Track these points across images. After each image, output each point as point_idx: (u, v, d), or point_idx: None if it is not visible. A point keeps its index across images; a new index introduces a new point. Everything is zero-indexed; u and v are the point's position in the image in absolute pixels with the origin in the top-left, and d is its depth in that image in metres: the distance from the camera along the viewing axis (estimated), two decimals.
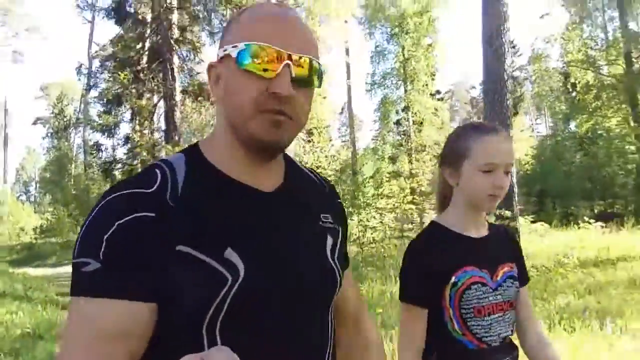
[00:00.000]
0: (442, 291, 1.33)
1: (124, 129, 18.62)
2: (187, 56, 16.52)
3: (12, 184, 50.13)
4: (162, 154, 14.63)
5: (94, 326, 0.67)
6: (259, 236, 0.79)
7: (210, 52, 16.98)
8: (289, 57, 0.76)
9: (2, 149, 40.59)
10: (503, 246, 1.47)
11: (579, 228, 13.22)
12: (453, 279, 1.32)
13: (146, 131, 15.68)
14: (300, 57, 0.77)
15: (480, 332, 1.32)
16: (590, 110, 20.94)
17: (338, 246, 0.92)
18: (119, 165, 15.78)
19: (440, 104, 26.24)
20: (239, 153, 0.82)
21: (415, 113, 24.83)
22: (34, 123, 44.02)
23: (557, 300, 5.89)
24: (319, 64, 0.80)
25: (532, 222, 13.81)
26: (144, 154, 14.92)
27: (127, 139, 15.93)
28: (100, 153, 16.71)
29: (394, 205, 15.69)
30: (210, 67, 0.85)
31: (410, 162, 23.97)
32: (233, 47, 0.77)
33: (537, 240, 11.32)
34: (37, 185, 51.25)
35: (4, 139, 41.20)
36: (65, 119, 41.53)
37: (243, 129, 0.78)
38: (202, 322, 0.72)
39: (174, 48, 15.56)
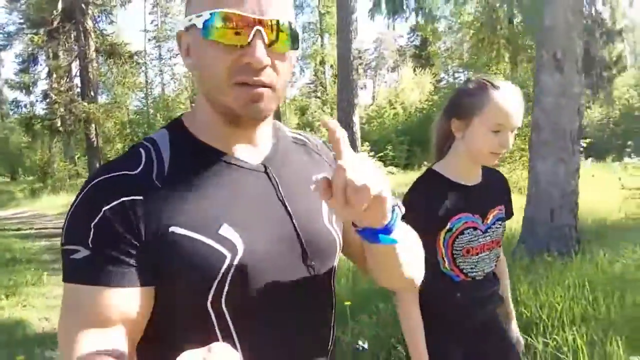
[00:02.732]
0: (437, 235, 1.44)
1: (41, 86, 20.50)
2: (99, 17, 18.54)
3: None
4: (79, 109, 17.04)
5: (89, 313, 0.67)
6: (252, 209, 0.78)
7: (121, 14, 19.03)
8: (260, 22, 0.71)
9: None
10: (494, 191, 1.58)
11: None
12: (448, 225, 1.44)
13: (62, 88, 17.80)
14: (271, 21, 0.72)
15: (467, 268, 1.48)
16: None
17: None
18: (39, 121, 17.99)
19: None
20: (221, 125, 0.79)
21: (332, 66, 27.57)
22: None
23: None
24: (291, 24, 0.75)
25: None
26: (62, 110, 17.21)
27: (46, 95, 18.06)
28: (19, 109, 18.73)
29: None
30: (179, 36, 0.80)
31: (326, 113, 26.86)
32: (198, 16, 0.72)
33: None
34: None
35: None
36: None
37: (220, 103, 0.75)
38: (206, 299, 0.73)
39: (86, 10, 17.55)
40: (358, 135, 11.72)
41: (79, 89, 18.58)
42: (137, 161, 0.75)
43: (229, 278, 0.73)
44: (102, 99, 21.02)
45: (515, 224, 4.60)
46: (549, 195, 4.39)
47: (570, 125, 4.01)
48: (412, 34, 41.61)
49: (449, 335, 1.49)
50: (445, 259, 1.46)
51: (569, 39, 4.05)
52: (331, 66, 27.24)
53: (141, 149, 0.78)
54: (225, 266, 0.72)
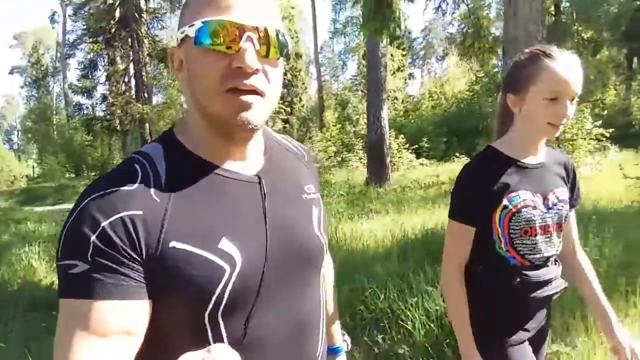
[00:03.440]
0: (493, 212, 1.39)
1: (101, 89, 22.54)
2: (151, 24, 20.14)
3: None
4: (134, 110, 18.68)
5: (88, 327, 0.67)
6: (248, 222, 0.80)
7: (172, 20, 20.61)
8: (251, 29, 0.74)
9: None
10: (557, 171, 1.50)
11: None
12: (505, 201, 1.38)
13: (119, 91, 19.53)
14: (263, 29, 0.76)
15: (524, 250, 1.41)
16: None
17: (322, 215, 0.96)
18: (98, 121, 19.85)
19: (399, 52, 29.44)
20: (214, 138, 0.81)
21: None
22: (11, 72, 46.25)
23: None
24: (283, 33, 0.79)
25: None
26: (119, 111, 18.92)
27: (104, 98, 19.88)
28: (81, 112, 20.68)
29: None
30: (171, 54, 0.83)
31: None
32: (190, 26, 0.76)
33: None
34: (19, 133, 53.80)
35: None
36: (42, 68, 44.06)
37: (210, 113, 0.77)
38: (204, 312, 0.74)
39: (139, 18, 19.12)
40: (386, 129, 12.27)
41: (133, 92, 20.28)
42: (133, 176, 0.76)
43: (227, 291, 0.74)
44: (159, 99, 22.83)
45: None
46: None
47: None
48: (461, 22, 41.05)
49: (498, 321, 1.44)
50: (501, 238, 1.40)
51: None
52: None
53: (136, 165, 0.78)
54: (224, 280, 0.74)
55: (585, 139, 9.44)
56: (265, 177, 0.86)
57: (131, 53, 19.19)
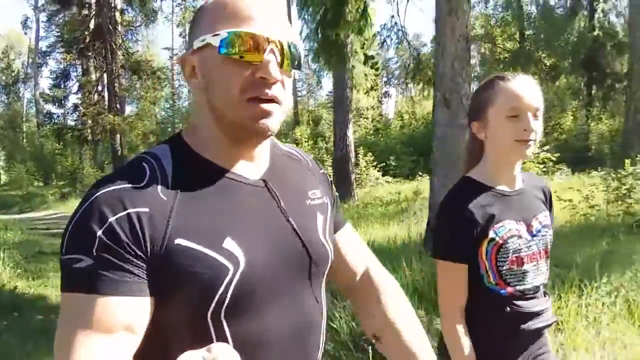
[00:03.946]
0: (480, 246, 1.35)
1: (72, 99, 22.67)
2: (125, 36, 20.42)
3: None
4: (105, 121, 18.85)
5: (90, 321, 0.68)
6: (253, 223, 0.82)
7: (147, 32, 20.97)
8: (272, 42, 0.78)
9: None
10: (537, 195, 1.49)
11: None
12: (491, 233, 1.35)
13: (91, 102, 19.68)
14: (282, 42, 0.80)
15: (514, 281, 1.38)
16: None
17: (328, 221, 0.97)
18: (69, 131, 19.96)
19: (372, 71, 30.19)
20: (224, 142, 0.83)
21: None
22: None
23: None
24: (296, 45, 0.84)
25: None
26: (90, 121, 19.08)
27: (76, 107, 20.00)
28: (52, 120, 20.75)
29: None
30: (183, 60, 0.85)
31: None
32: (214, 35, 0.78)
33: None
34: None
35: None
36: (13, 74, 43.56)
37: (230, 119, 0.80)
38: (207, 310, 0.75)
39: (114, 29, 19.39)
40: (352, 147, 12.84)
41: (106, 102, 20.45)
42: (141, 174, 0.77)
43: (230, 290, 0.75)
44: (133, 109, 23.05)
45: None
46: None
47: (456, 148, 5.15)
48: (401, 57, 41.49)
49: (493, 356, 1.40)
50: (489, 272, 1.37)
51: (455, 83, 5.34)
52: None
53: (144, 164, 0.80)
54: (227, 279, 0.75)
55: (533, 162, 10.11)
56: (270, 181, 0.88)
57: (104, 64, 19.39)
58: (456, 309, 1.39)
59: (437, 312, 3.86)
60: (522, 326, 1.39)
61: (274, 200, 0.87)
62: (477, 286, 1.38)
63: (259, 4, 0.80)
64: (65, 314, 0.71)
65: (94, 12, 19.84)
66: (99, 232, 0.70)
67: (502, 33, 25.10)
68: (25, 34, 40.57)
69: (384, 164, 17.68)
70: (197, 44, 0.81)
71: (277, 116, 0.80)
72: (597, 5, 20.29)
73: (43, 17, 24.31)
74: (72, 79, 19.87)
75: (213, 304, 0.75)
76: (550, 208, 1.53)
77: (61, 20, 20.86)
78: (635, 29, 12.71)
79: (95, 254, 0.70)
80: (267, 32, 0.78)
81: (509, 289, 1.38)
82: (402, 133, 23.46)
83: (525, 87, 1.36)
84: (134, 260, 0.71)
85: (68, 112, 20.42)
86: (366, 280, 1.10)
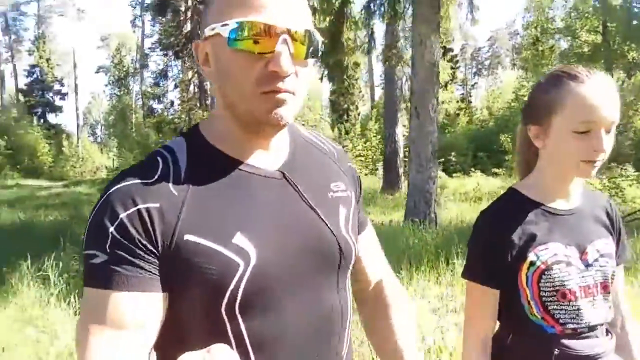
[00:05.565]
0: (519, 270, 1.18)
1: (170, 96, 26.54)
2: None
3: (81, 127, 58.59)
4: (196, 116, 21.96)
5: (104, 318, 0.70)
6: (267, 218, 0.81)
7: None
8: (285, 32, 0.75)
9: (73, 96, 48.24)
10: (598, 218, 1.28)
11: None
12: (531, 256, 1.18)
13: (185, 99, 23.02)
14: (296, 31, 0.76)
15: (564, 317, 1.17)
16: None
17: (352, 215, 0.94)
18: (167, 124, 23.63)
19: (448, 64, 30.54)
20: (239, 133, 0.82)
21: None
22: (97, 71, 49.35)
23: None
24: (312, 32, 0.79)
25: None
26: (183, 116, 22.35)
27: (172, 103, 23.55)
28: (153, 114, 24.54)
29: None
30: (196, 46, 0.84)
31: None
32: (223, 25, 0.75)
33: None
34: (102, 127, 57.96)
35: (74, 87, 48.75)
36: (124, 69, 48.70)
37: (244, 110, 0.79)
38: (220, 306, 0.76)
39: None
40: (400, 144, 13.97)
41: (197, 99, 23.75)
42: (154, 169, 0.78)
43: (242, 286, 0.76)
44: None
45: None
46: (414, 190, 7.83)
47: (424, 150, 7.40)
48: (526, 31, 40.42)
49: None
50: (531, 303, 1.18)
51: (424, 98, 7.45)
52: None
53: (158, 157, 0.81)
54: (238, 274, 0.75)
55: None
56: (289, 172, 0.87)
57: (196, 65, 22.46)
58: (479, 340, 1.23)
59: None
60: None
61: (295, 192, 0.86)
62: (518, 318, 1.21)
63: None
64: (84, 308, 0.74)
65: (187, 18, 22.92)
66: (111, 229, 0.72)
67: (583, 26, 24.47)
68: (134, 32, 45.23)
69: (443, 159, 18.37)
70: (207, 32, 0.80)
71: (291, 106, 0.79)
72: None
73: (148, 17, 28.04)
74: (169, 78, 23.58)
75: (225, 300, 0.76)
76: (619, 234, 1.31)
77: (160, 25, 24.35)
78: None
79: (109, 250, 0.72)
80: (279, 21, 0.75)
81: (558, 328, 1.18)
82: (468, 129, 23.98)
83: (602, 95, 1.11)
84: (146, 256, 0.73)
85: (166, 108, 24.22)
86: (379, 292, 1.09)
